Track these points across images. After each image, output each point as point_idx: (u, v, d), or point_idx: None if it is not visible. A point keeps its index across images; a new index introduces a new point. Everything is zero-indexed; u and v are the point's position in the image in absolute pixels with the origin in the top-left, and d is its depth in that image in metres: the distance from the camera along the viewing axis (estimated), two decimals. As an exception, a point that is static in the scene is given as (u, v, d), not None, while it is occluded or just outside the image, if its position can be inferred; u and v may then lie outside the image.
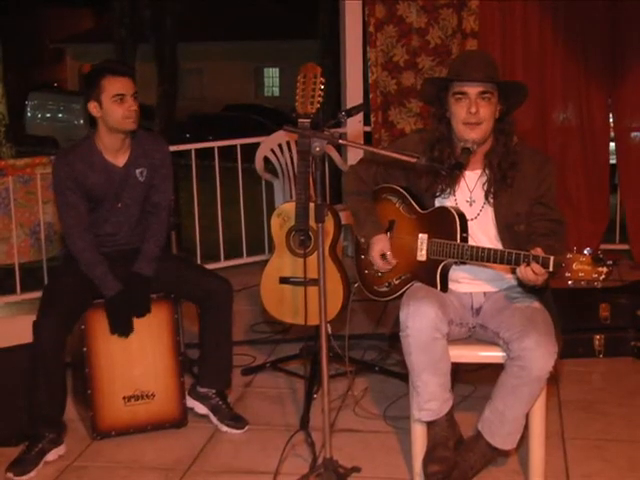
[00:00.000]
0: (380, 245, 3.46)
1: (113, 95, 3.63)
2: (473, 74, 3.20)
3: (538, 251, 2.98)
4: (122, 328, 3.75)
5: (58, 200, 3.77)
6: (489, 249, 3.14)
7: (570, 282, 2.87)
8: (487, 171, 3.32)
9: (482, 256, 3.14)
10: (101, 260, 3.73)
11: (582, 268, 2.83)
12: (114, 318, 3.73)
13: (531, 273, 2.98)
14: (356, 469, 3.41)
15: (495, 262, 3.13)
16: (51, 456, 3.60)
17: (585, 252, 2.84)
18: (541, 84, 6.05)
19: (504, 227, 3.29)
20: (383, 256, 3.45)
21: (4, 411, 3.69)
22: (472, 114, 3.21)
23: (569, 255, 2.86)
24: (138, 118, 3.71)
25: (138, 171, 3.79)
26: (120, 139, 3.73)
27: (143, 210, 3.87)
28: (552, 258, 2.93)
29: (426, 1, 6.04)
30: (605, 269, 2.82)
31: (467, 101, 3.22)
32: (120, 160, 3.76)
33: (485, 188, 3.32)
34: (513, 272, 3.26)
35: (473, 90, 3.21)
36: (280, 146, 5.90)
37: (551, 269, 2.93)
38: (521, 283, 3.16)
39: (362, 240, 3.54)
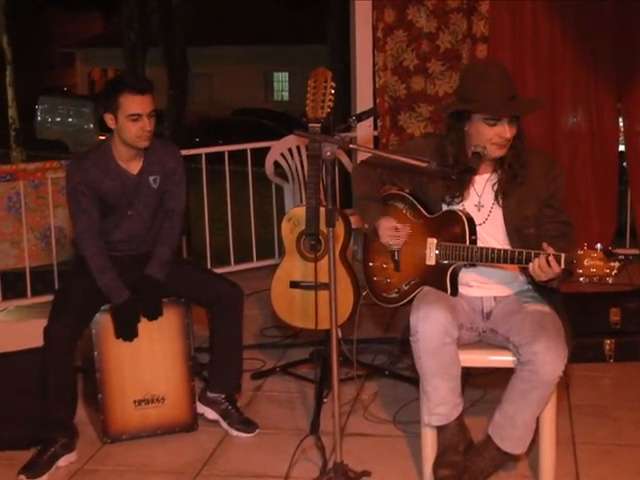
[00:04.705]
0: (387, 222, 3.46)
1: (129, 114, 3.61)
2: (508, 107, 3.20)
3: (549, 249, 2.98)
4: (127, 334, 3.76)
5: (71, 205, 3.77)
6: (499, 249, 3.15)
7: (582, 279, 2.86)
8: (499, 171, 3.32)
9: (492, 257, 3.15)
10: (110, 267, 3.73)
11: (594, 264, 2.83)
12: (120, 324, 3.74)
13: (545, 264, 2.97)
14: (366, 473, 3.41)
15: (505, 262, 3.13)
16: (62, 462, 3.61)
17: (596, 247, 2.84)
18: (551, 88, 6.05)
19: (513, 230, 3.29)
20: (395, 229, 3.44)
21: (16, 414, 3.70)
22: (507, 139, 3.23)
23: (580, 251, 2.86)
24: (151, 136, 3.70)
25: (151, 179, 3.80)
26: (133, 151, 3.74)
27: (156, 216, 3.87)
28: (563, 255, 2.94)
29: (436, 6, 6.04)
30: (617, 264, 2.81)
31: (500, 127, 3.21)
32: (134, 168, 3.77)
33: (495, 189, 3.32)
34: (524, 273, 3.26)
35: (507, 117, 3.21)
36: (290, 150, 5.91)
37: (563, 265, 2.93)
38: (533, 280, 3.15)
39: (366, 226, 3.53)
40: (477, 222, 3.31)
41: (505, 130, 3.21)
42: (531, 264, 3.03)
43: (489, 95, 3.20)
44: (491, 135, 3.23)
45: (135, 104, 3.62)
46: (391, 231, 3.45)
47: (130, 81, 3.65)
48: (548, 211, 3.32)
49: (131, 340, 3.76)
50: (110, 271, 3.72)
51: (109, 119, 3.66)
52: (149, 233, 3.88)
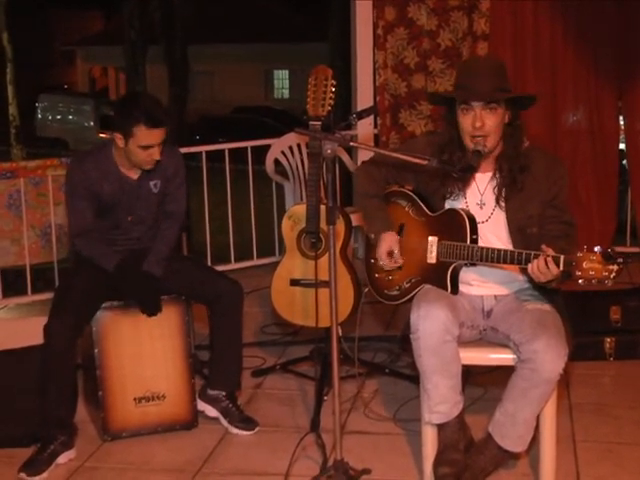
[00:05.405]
0: (388, 242, 3.45)
1: (141, 145, 3.60)
2: (476, 88, 3.19)
3: (549, 250, 2.98)
4: (137, 293, 3.75)
5: (68, 203, 3.80)
6: (499, 249, 3.14)
7: (580, 281, 2.86)
8: (497, 175, 3.32)
9: (492, 257, 3.14)
10: (100, 245, 3.76)
11: (593, 266, 2.82)
12: (125, 288, 3.73)
13: (543, 266, 2.97)
14: (366, 471, 3.41)
15: (505, 262, 3.13)
16: (62, 459, 3.61)
17: (595, 250, 2.83)
18: (552, 86, 6.05)
19: (516, 230, 3.29)
20: (390, 254, 3.45)
21: (15, 412, 3.70)
22: (477, 128, 3.21)
23: (579, 254, 2.85)
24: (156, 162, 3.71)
25: (152, 183, 3.80)
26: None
27: (156, 218, 3.88)
28: (562, 257, 2.93)
29: (437, 4, 6.04)
30: (616, 267, 2.81)
31: (472, 113, 3.21)
32: (134, 173, 3.77)
33: (496, 192, 3.32)
34: (524, 273, 3.25)
35: (478, 103, 3.20)
36: (291, 148, 5.92)
37: (561, 268, 2.93)
38: (533, 280, 3.14)
39: (372, 236, 3.54)
40: (480, 220, 3.30)
41: (476, 118, 3.20)
42: (530, 265, 3.03)
43: (467, 82, 3.22)
44: (466, 125, 3.22)
45: (149, 137, 3.60)
46: (386, 254, 3.45)
47: (148, 113, 3.58)
48: (551, 211, 3.31)
49: (155, 313, 3.75)
50: (99, 247, 3.76)
51: (118, 139, 3.64)
52: (149, 230, 3.89)
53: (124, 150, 3.66)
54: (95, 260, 3.74)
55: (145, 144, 3.60)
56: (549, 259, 2.96)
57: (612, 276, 2.81)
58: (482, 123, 3.19)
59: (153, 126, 3.59)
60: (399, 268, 3.49)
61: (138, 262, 3.78)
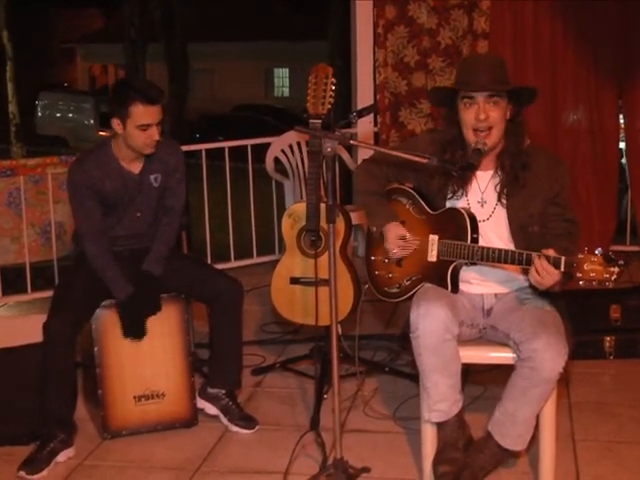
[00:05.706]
0: (395, 230, 3.46)
1: (139, 124, 3.59)
2: (479, 80, 3.19)
3: (550, 252, 2.98)
4: (135, 331, 3.76)
5: (73, 206, 3.77)
6: (499, 249, 3.14)
7: (581, 283, 2.86)
8: (499, 172, 3.32)
9: (492, 257, 3.14)
10: (113, 264, 3.73)
11: (593, 268, 2.82)
12: (127, 321, 3.74)
13: (544, 273, 2.97)
14: (366, 469, 3.41)
15: (506, 262, 3.13)
16: (61, 457, 3.61)
17: (596, 252, 2.83)
18: (552, 85, 6.04)
19: (517, 228, 3.29)
20: (402, 238, 3.44)
21: (15, 410, 3.71)
22: (481, 120, 3.20)
23: (580, 255, 2.85)
24: (157, 143, 3.69)
25: (152, 177, 3.79)
26: (136, 153, 3.73)
27: (157, 213, 3.88)
28: (563, 258, 2.92)
29: (437, 2, 6.04)
30: (616, 269, 2.81)
31: (475, 107, 3.21)
32: (135, 167, 3.77)
33: (498, 189, 3.31)
34: (524, 273, 3.25)
35: (481, 95, 3.20)
36: (291, 146, 5.92)
37: (562, 269, 2.93)
38: (534, 286, 3.14)
39: (374, 229, 3.53)
40: (481, 218, 3.30)
41: (479, 110, 3.20)
42: (531, 277, 3.03)
43: (469, 77, 3.22)
44: (469, 119, 3.22)
45: (146, 115, 3.59)
46: (400, 241, 3.45)
47: (142, 91, 3.59)
48: (553, 209, 3.31)
49: (140, 338, 3.77)
50: (112, 268, 3.71)
51: (116, 124, 3.63)
52: (150, 228, 3.88)
53: (123, 136, 3.65)
54: (105, 280, 3.72)
55: (143, 123, 3.59)
56: (547, 261, 2.95)
57: (613, 278, 2.81)
58: (486, 115, 3.19)
59: (149, 103, 3.58)
60: (399, 265, 3.49)
61: (144, 287, 3.78)
